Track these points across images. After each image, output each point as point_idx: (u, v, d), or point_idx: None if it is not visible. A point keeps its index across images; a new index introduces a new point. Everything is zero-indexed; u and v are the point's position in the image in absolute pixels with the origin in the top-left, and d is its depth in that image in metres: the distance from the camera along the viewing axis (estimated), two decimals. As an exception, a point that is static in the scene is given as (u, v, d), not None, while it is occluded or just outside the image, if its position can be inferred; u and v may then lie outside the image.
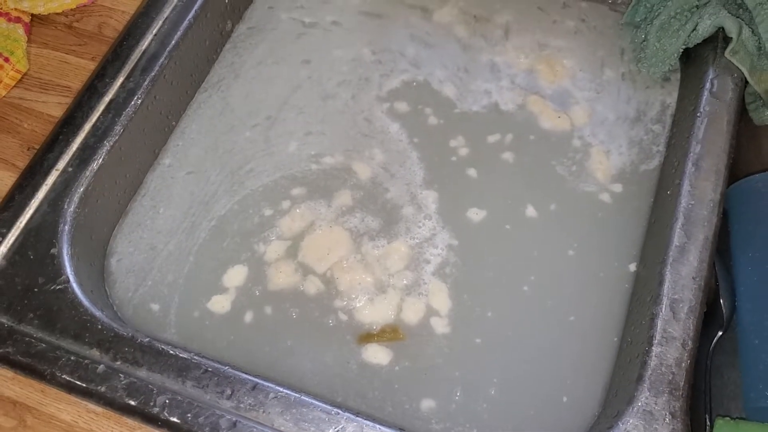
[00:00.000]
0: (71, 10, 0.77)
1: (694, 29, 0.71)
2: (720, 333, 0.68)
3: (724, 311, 0.68)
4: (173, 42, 0.73)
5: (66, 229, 0.63)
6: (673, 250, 0.60)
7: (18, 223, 0.63)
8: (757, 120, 0.73)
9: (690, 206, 0.62)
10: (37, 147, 0.67)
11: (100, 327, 0.58)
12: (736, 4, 0.71)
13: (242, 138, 0.75)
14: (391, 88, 0.78)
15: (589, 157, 0.72)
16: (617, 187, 0.70)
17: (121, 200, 0.70)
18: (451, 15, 0.83)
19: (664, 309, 0.57)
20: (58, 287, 0.60)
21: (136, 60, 0.72)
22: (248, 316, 0.64)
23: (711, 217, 0.61)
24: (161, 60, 0.72)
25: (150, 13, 0.75)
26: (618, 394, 0.58)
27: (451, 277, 0.66)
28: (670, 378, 0.55)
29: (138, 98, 0.70)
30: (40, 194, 0.64)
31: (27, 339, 0.58)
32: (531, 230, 0.68)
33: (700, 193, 0.63)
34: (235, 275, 0.67)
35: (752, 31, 0.69)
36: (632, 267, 0.66)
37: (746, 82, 0.70)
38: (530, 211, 0.69)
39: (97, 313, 0.59)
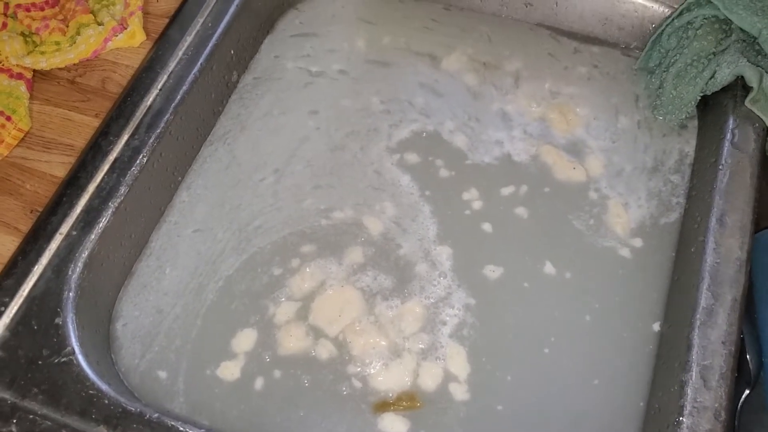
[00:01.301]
0: (74, 65, 0.75)
1: (712, 77, 0.70)
2: (747, 391, 0.65)
3: (751, 368, 0.66)
4: (179, 97, 0.72)
5: (71, 296, 0.61)
6: (701, 313, 0.58)
7: (21, 291, 0.61)
8: (779, 168, 0.71)
9: (716, 265, 0.60)
10: (40, 209, 0.65)
11: (107, 402, 0.56)
12: (755, 50, 0.69)
13: (249, 193, 0.73)
14: (400, 139, 0.76)
15: (607, 210, 0.70)
16: (637, 242, 0.68)
17: (126, 262, 0.68)
18: (459, 62, 0.82)
19: (694, 377, 0.55)
20: (63, 360, 0.58)
21: (140, 117, 0.70)
22: (258, 384, 0.62)
23: (738, 276, 0.59)
24: (167, 116, 0.71)
25: (154, 68, 0.74)
26: (648, 468, 0.56)
27: (469, 339, 0.64)
28: (703, 451, 0.52)
29: (143, 156, 0.68)
30: (44, 260, 0.62)
31: (31, 416, 0.55)
32: (550, 288, 0.66)
33: (725, 251, 0.61)
34: (244, 339, 0.64)
35: (772, 80, 0.67)
36: (656, 327, 0.64)
37: (767, 131, 0.68)
38: (548, 268, 0.67)
39: (104, 387, 0.57)
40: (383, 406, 0.60)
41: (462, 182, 0.73)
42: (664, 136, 0.75)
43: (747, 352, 0.65)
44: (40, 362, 0.58)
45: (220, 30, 0.77)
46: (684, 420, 0.53)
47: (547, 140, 0.75)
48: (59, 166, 0.69)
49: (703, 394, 0.54)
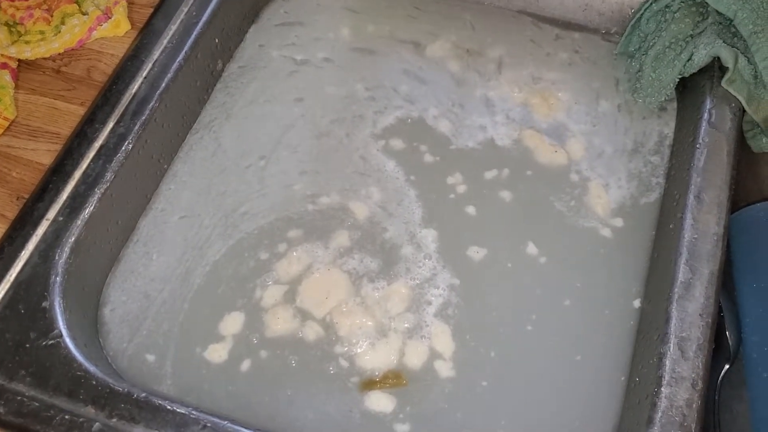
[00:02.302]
0: (59, 54, 0.75)
1: (690, 59, 0.71)
2: (727, 366, 0.67)
3: (730, 344, 0.67)
4: (163, 84, 0.72)
5: (58, 281, 0.61)
6: (679, 287, 0.59)
7: (8, 276, 0.61)
8: (756, 147, 0.73)
9: (693, 240, 0.61)
10: (27, 196, 0.66)
11: (94, 383, 0.56)
12: (730, 32, 0.71)
13: (235, 179, 0.74)
14: (385, 125, 0.77)
15: (588, 192, 0.71)
16: (618, 222, 0.69)
17: (114, 248, 0.69)
18: (443, 49, 0.83)
19: (672, 348, 0.56)
20: (50, 342, 0.58)
21: (126, 104, 0.71)
22: (246, 365, 0.63)
23: (715, 251, 0.61)
24: (152, 103, 0.71)
25: (139, 56, 0.74)
26: (628, 437, 0.57)
27: (453, 318, 0.64)
28: (681, 420, 0.53)
29: (129, 143, 0.68)
30: (30, 245, 0.63)
31: (19, 398, 0.56)
32: (533, 268, 0.67)
33: (703, 226, 0.62)
34: (232, 322, 0.65)
35: (748, 60, 0.69)
36: (637, 303, 0.65)
37: (744, 110, 0.70)
38: (531, 249, 0.68)
39: (92, 368, 0.57)
40: (370, 384, 0.61)
41: (446, 167, 0.74)
42: (644, 118, 0.76)
43: (726, 329, 0.66)
44: (27, 345, 0.58)
45: (204, 19, 0.78)
46: (663, 390, 0.54)
47: (529, 125, 0.76)
48: (45, 154, 0.69)
49: (681, 365, 0.55)
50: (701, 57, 0.69)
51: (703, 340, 0.57)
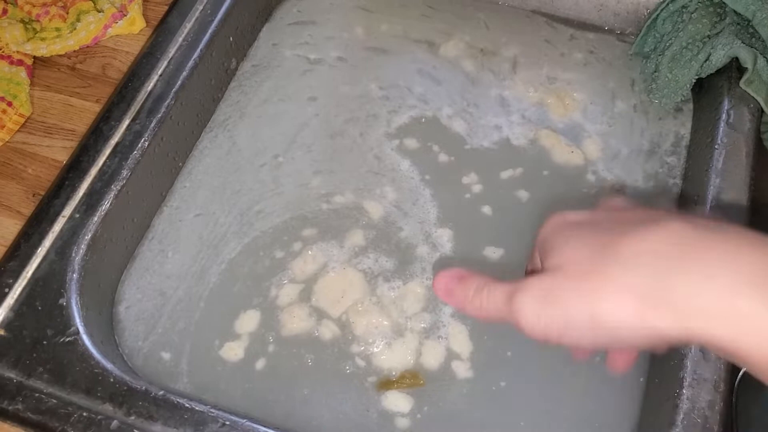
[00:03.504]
0: (74, 51, 0.75)
1: (707, 59, 0.71)
2: (744, 368, 0.66)
3: (748, 345, 0.66)
4: (179, 82, 0.72)
5: (74, 277, 0.61)
6: (699, 288, 0.58)
7: (25, 273, 0.61)
8: (772, 149, 0.73)
9: (712, 241, 0.61)
10: (43, 193, 0.66)
11: (112, 380, 0.56)
12: (748, 33, 0.70)
13: (250, 178, 0.74)
14: (399, 125, 0.77)
15: (605, 193, 0.71)
16: (635, 222, 0.69)
17: (129, 245, 0.68)
18: (457, 49, 0.83)
19: (693, 349, 0.56)
20: (67, 339, 0.58)
21: (141, 101, 0.71)
22: (262, 363, 0.63)
23: (735, 252, 0.60)
24: (167, 101, 0.71)
25: (155, 54, 0.74)
26: (649, 439, 0.56)
27: (470, 319, 0.64)
28: (703, 422, 0.53)
29: (145, 140, 0.68)
30: (47, 242, 0.63)
31: (37, 395, 0.55)
32: (550, 268, 0.66)
33: (722, 227, 0.61)
34: (248, 321, 0.65)
35: (766, 61, 0.68)
36: (655, 304, 0.64)
37: (762, 111, 0.69)
38: (548, 248, 0.67)
39: (109, 366, 0.57)
40: (387, 384, 0.61)
41: (461, 166, 0.74)
42: (660, 119, 0.76)
43: (744, 330, 0.66)
44: (45, 342, 0.58)
45: (218, 17, 0.77)
46: (684, 392, 0.54)
47: (545, 125, 0.76)
48: (61, 151, 0.69)
49: (702, 366, 0.55)
50: (719, 57, 0.69)
51: (723, 341, 0.56)
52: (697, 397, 0.54)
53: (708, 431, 0.52)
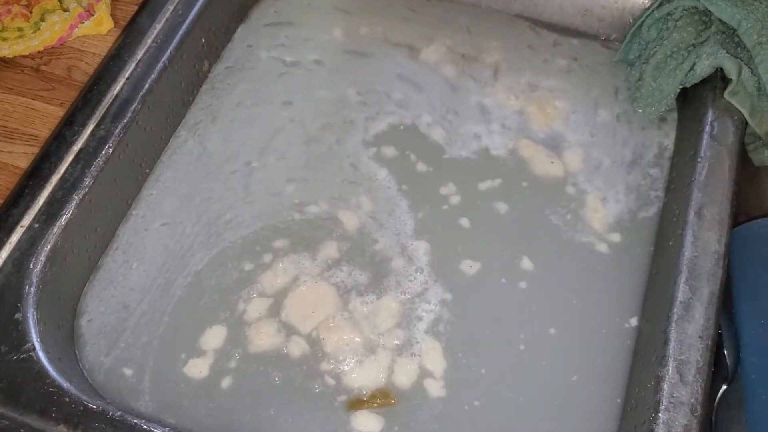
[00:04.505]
0: (38, 52, 0.73)
1: (692, 69, 0.69)
2: (724, 387, 0.65)
3: (728, 363, 0.65)
4: (147, 86, 0.70)
5: (32, 291, 0.59)
6: (678, 307, 0.57)
7: (-21, 286, 0.59)
8: (757, 161, 0.71)
9: (694, 258, 0.59)
10: (1, 201, 0.63)
11: (68, 400, 0.54)
12: (734, 42, 0.69)
13: (220, 186, 0.71)
14: (377, 132, 0.75)
15: (585, 205, 0.69)
16: (615, 237, 0.67)
17: (92, 256, 0.66)
18: (438, 54, 0.80)
19: (670, 371, 0.54)
20: (22, 356, 0.56)
21: (107, 106, 0.68)
22: (227, 382, 0.60)
23: (716, 270, 0.59)
24: (134, 105, 0.68)
25: (122, 56, 0.72)
26: (625, 464, 0.55)
27: (445, 335, 0.62)
28: (680, 448, 0.51)
29: (109, 147, 0.66)
30: (3, 253, 0.60)
31: (-13, 416, 0.53)
32: (527, 284, 0.65)
33: (703, 244, 0.60)
34: (213, 336, 0.62)
35: (751, 71, 0.67)
36: (633, 321, 0.63)
37: (746, 123, 0.68)
38: (526, 264, 0.66)
39: (65, 385, 0.55)
40: (357, 403, 0.59)
41: (439, 177, 0.72)
42: (644, 129, 0.74)
43: (724, 348, 0.64)
44: (-2, 359, 0.55)
45: (190, 18, 0.75)
46: (660, 415, 0.52)
47: (525, 134, 0.74)
48: (22, 157, 0.66)
49: (680, 389, 0.53)
50: (704, 67, 0.67)
51: (702, 363, 0.55)
52: (674, 421, 0.52)
53: (685, 458, 0.51)
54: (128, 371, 0.61)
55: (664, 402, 0.53)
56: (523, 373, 0.60)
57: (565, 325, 0.63)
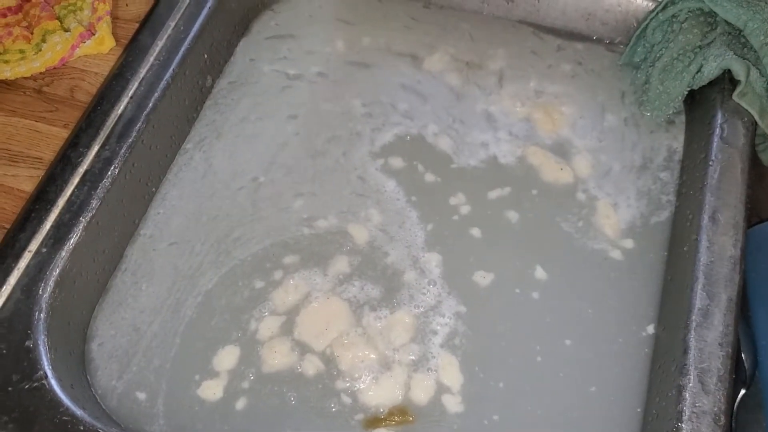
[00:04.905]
0: (40, 73, 0.72)
1: (699, 71, 0.69)
2: (743, 391, 0.64)
3: (746, 366, 0.64)
4: (150, 104, 0.69)
5: (41, 317, 0.58)
6: (696, 314, 0.56)
7: (-13, 314, 0.58)
8: (766, 161, 0.70)
9: (710, 264, 0.59)
10: (8, 226, 0.62)
11: (82, 428, 0.53)
12: (740, 43, 0.68)
13: (227, 203, 0.71)
14: (384, 143, 0.74)
15: (596, 212, 0.68)
16: (628, 243, 0.67)
17: (100, 278, 0.65)
18: (442, 62, 0.80)
19: (692, 380, 0.54)
20: (34, 385, 0.55)
21: (111, 126, 0.67)
22: (242, 403, 0.60)
23: (733, 275, 0.58)
24: (138, 124, 0.68)
25: (125, 75, 0.71)
26: (648, 476, 0.54)
27: (461, 349, 0.61)
28: (704, 458, 0.51)
29: (115, 167, 0.65)
30: (12, 279, 0.59)
31: (1, 447, 0.52)
32: (542, 293, 0.64)
33: (719, 249, 0.59)
34: (226, 357, 0.62)
35: (759, 72, 0.66)
36: (651, 329, 0.62)
37: (756, 124, 0.67)
38: (539, 273, 0.65)
39: (78, 413, 0.54)
40: (374, 422, 0.58)
41: (448, 186, 0.71)
42: (652, 132, 0.74)
43: (742, 351, 0.64)
44: (9, 388, 0.55)
45: (192, 34, 0.74)
46: (683, 426, 0.52)
47: (533, 141, 0.74)
48: (27, 180, 0.65)
49: (702, 399, 0.53)
50: (711, 69, 0.67)
51: (723, 371, 0.54)
52: (697, 431, 0.51)
53: (710, 469, 0.50)
54: (141, 395, 0.60)
55: (687, 412, 0.52)
56: (541, 386, 0.60)
57: (581, 334, 0.62)
